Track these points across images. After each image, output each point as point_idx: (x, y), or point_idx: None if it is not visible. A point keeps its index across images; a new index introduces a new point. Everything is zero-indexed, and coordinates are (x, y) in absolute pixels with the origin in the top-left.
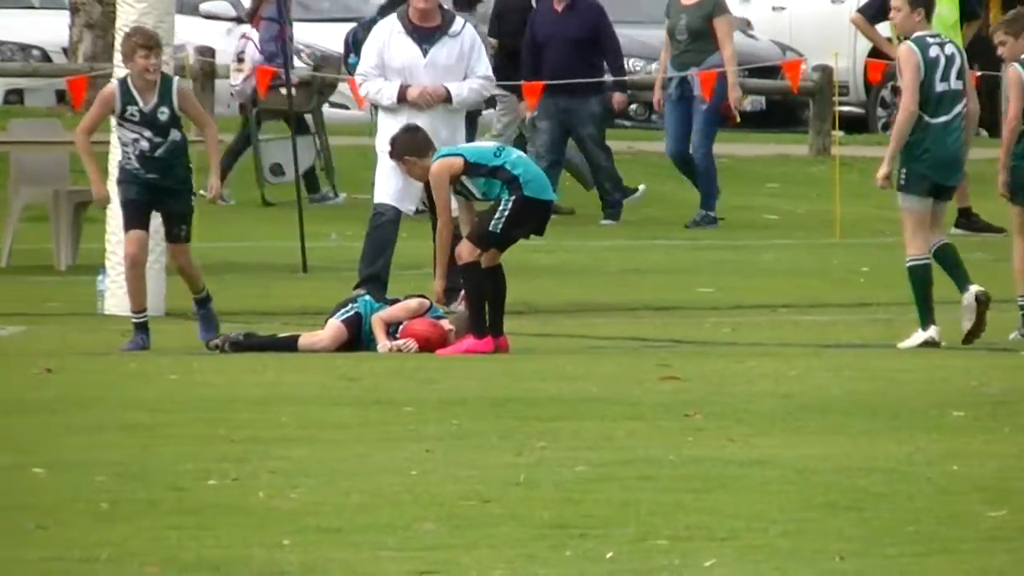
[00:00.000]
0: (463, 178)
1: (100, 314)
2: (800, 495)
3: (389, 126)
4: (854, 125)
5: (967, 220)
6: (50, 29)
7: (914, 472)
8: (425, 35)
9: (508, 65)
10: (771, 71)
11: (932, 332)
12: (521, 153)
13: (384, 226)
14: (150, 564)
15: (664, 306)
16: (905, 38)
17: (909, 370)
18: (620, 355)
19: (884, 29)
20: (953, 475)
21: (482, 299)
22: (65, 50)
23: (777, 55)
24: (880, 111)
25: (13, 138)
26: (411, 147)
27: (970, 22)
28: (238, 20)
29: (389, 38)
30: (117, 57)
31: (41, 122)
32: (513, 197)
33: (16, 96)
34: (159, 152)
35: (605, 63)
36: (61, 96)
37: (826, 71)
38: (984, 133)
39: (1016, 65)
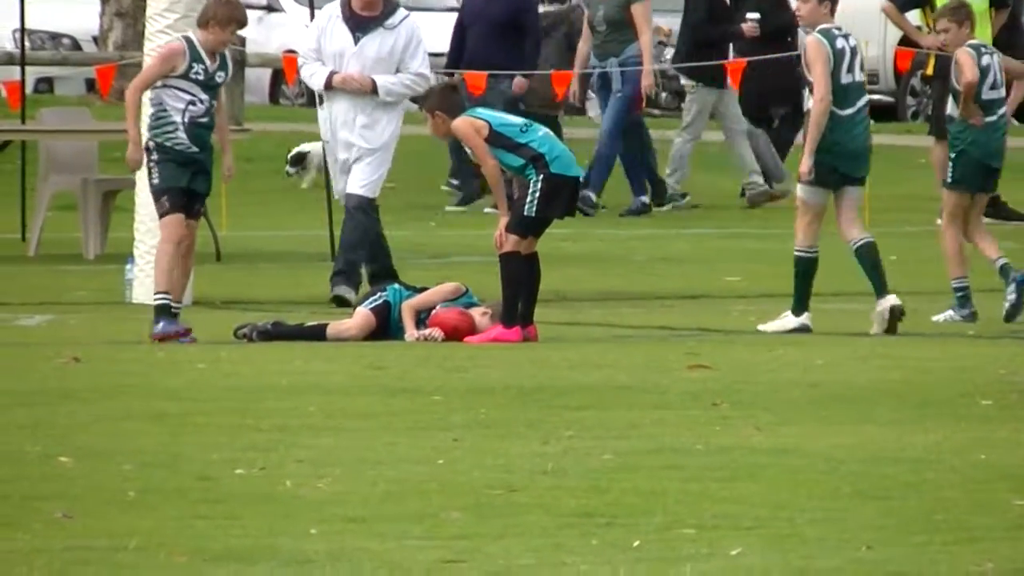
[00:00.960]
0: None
1: (128, 303)
2: (827, 484)
3: (322, 114)
4: (884, 113)
5: (995, 209)
6: (80, 17)
7: (941, 461)
8: (361, 23)
9: (695, 53)
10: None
11: (805, 319)
12: (548, 131)
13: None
14: (177, 553)
15: (692, 295)
16: (810, 29)
17: (937, 359)
18: (648, 344)
19: (913, 18)
20: (980, 464)
21: (517, 289)
22: (95, 39)
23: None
24: (910, 99)
25: (43, 126)
26: (446, 104)
27: (999, 10)
28: (269, 8)
29: (328, 23)
30: (148, 45)
31: (71, 111)
32: (541, 176)
33: (46, 84)
34: (208, 119)
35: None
36: (91, 85)
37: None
38: (1015, 121)
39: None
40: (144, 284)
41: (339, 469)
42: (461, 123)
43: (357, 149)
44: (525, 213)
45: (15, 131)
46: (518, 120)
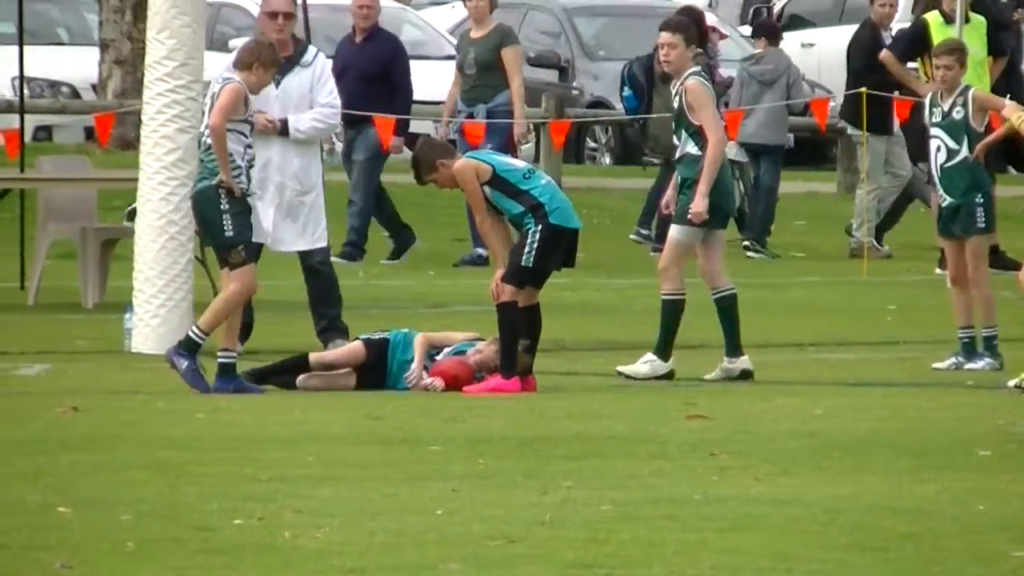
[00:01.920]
0: (487, 189)
1: (127, 352)
2: (826, 535)
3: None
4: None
5: (994, 258)
6: (79, 66)
7: (940, 511)
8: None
9: (859, 102)
10: (798, 110)
11: (671, 364)
12: (550, 180)
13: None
14: None
15: (690, 344)
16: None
17: (936, 409)
18: (646, 393)
19: (913, 67)
20: (978, 514)
21: (515, 339)
22: (94, 87)
23: (806, 93)
24: None
25: (41, 175)
26: (439, 150)
27: (998, 59)
28: None
29: None
30: (147, 93)
31: (69, 159)
32: (540, 227)
33: (45, 133)
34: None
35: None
36: (90, 133)
37: None
38: (1012, 170)
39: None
40: (143, 333)
41: (338, 519)
42: (463, 165)
43: (291, 192)
44: (522, 264)
45: (14, 179)
46: (522, 166)
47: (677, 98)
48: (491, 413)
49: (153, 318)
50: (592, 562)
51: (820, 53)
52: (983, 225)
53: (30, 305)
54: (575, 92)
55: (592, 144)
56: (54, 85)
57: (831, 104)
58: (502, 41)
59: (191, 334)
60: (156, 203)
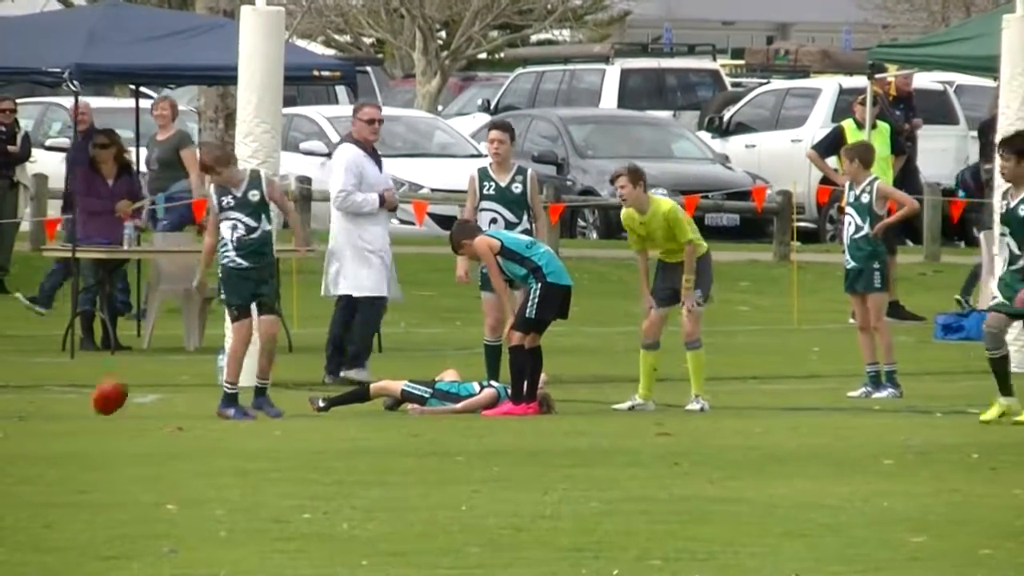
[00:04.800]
0: (499, 258)
1: (221, 385)
2: (764, 526)
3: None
4: (808, 237)
5: (895, 310)
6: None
7: (853, 507)
8: (375, 158)
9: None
10: (743, 195)
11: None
12: (548, 248)
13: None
14: None
15: (659, 378)
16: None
17: (850, 427)
18: (624, 416)
19: (832, 162)
20: (884, 510)
21: (523, 374)
22: None
23: (748, 182)
24: (828, 226)
25: (155, 247)
26: (466, 232)
27: (898, 156)
28: (329, 155)
29: (363, 160)
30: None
31: (176, 235)
32: (540, 285)
33: None
34: (257, 235)
35: None
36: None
37: (786, 195)
38: (909, 243)
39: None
40: None
41: (384, 514)
42: (479, 242)
43: (387, 254)
44: (527, 315)
45: (133, 252)
46: (525, 239)
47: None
48: (504, 431)
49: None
50: (583, 547)
51: (760, 152)
52: (879, 285)
53: (144, 348)
54: (569, 183)
55: (582, 223)
56: None
57: (767, 191)
58: (180, 143)
59: (225, 388)
60: None
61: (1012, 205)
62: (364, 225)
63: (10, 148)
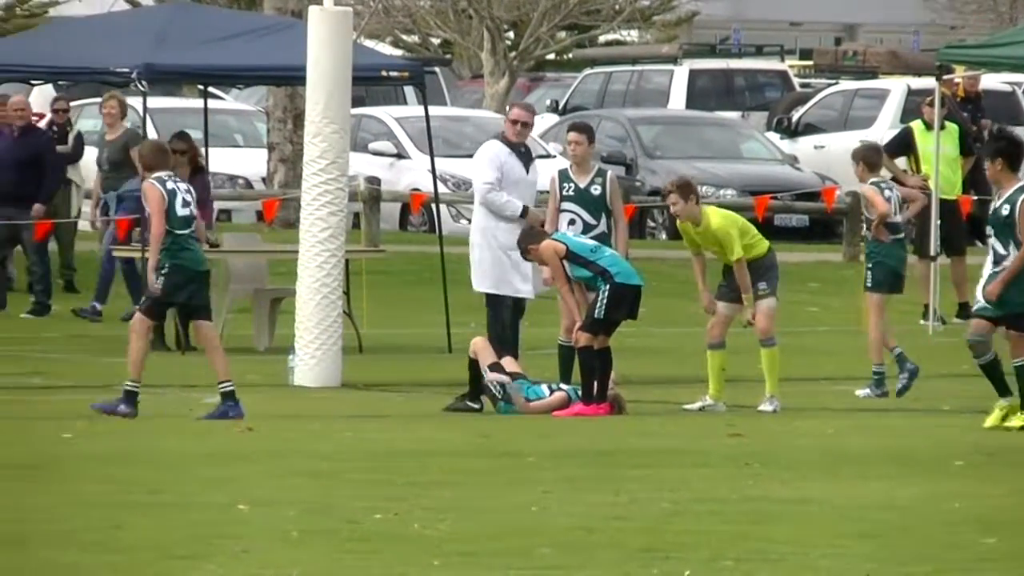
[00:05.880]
0: (566, 262)
1: (290, 386)
2: (835, 526)
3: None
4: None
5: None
6: (252, 162)
7: (924, 508)
8: (525, 156)
9: None
10: (812, 196)
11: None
12: (613, 251)
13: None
14: None
15: (729, 379)
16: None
17: (920, 428)
18: (695, 417)
19: (901, 163)
20: (954, 511)
21: (592, 374)
22: (263, 179)
23: (817, 183)
24: None
25: (225, 248)
26: (533, 236)
27: (967, 157)
28: (398, 155)
29: (506, 157)
30: (305, 184)
31: (245, 235)
32: (608, 286)
33: (225, 215)
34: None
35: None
36: (259, 215)
37: (855, 196)
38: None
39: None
40: (302, 371)
41: (455, 514)
42: (545, 246)
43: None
44: (595, 316)
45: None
46: (590, 243)
47: None
48: (575, 432)
49: (311, 359)
50: (653, 548)
51: (829, 153)
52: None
53: None
54: (638, 183)
55: (651, 223)
56: (232, 178)
57: (837, 192)
58: (129, 142)
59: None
60: (312, 270)
61: (995, 206)
62: (499, 224)
63: (59, 148)
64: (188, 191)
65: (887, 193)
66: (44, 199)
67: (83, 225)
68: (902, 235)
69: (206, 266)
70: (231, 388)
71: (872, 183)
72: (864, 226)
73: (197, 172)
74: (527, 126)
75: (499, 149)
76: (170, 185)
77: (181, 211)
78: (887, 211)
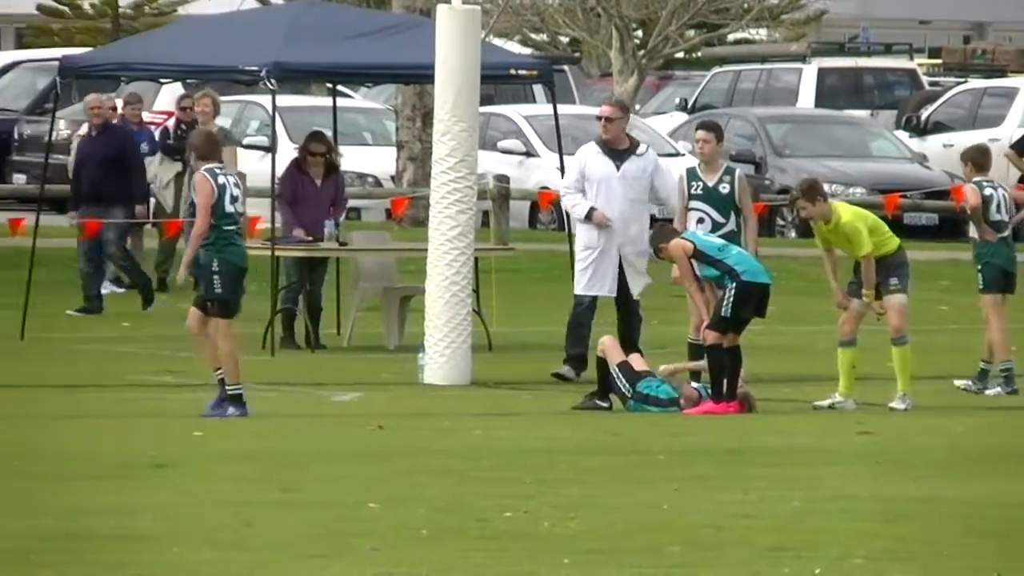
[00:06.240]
0: (693, 261)
1: (420, 384)
2: (965, 525)
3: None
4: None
5: None
6: (381, 161)
7: None
8: (617, 154)
9: None
10: (942, 194)
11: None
12: (741, 250)
13: (581, 313)
14: None
15: (858, 376)
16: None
17: None
18: (824, 415)
19: None
20: None
21: (722, 372)
22: (392, 177)
23: (947, 181)
24: None
25: (354, 246)
26: (664, 235)
27: None
28: (527, 154)
29: (590, 158)
30: (434, 183)
31: (374, 233)
32: (735, 284)
33: (355, 213)
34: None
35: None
36: (389, 213)
37: None
38: None
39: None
40: (432, 369)
41: (585, 512)
42: (674, 245)
43: (632, 252)
44: (722, 314)
45: (333, 250)
46: (718, 242)
47: None
48: (704, 430)
49: (440, 357)
50: (784, 546)
51: (958, 151)
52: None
53: (345, 347)
54: (767, 182)
55: (781, 221)
56: (362, 176)
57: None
58: (222, 141)
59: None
60: (442, 268)
61: None
62: (579, 224)
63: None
64: (237, 185)
65: (987, 191)
66: (141, 200)
67: None
68: (1006, 233)
69: (247, 263)
70: (239, 392)
71: (975, 182)
72: (971, 228)
73: (331, 171)
74: (610, 121)
75: (585, 151)
76: (221, 179)
77: (229, 207)
78: (976, 204)
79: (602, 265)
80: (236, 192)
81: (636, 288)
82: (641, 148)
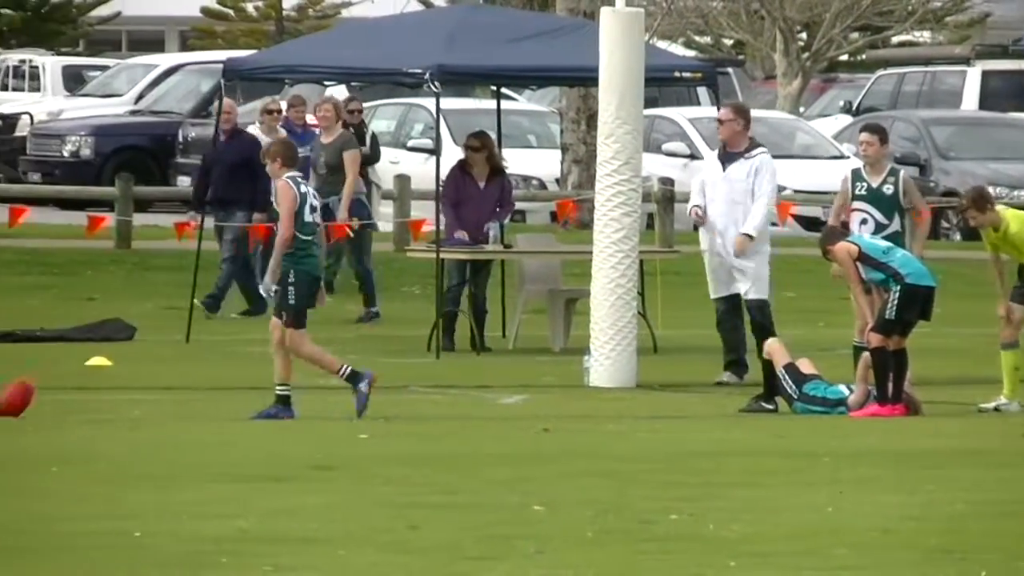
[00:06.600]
0: (858, 263)
1: (586, 387)
2: None
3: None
4: None
5: None
6: (545, 163)
7: None
8: (728, 156)
9: None
10: None
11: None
12: (906, 252)
13: (720, 317)
14: None
15: (1022, 379)
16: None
17: None
18: (990, 417)
19: None
20: None
21: (887, 375)
22: (557, 180)
23: None
24: None
25: (519, 248)
26: (831, 237)
27: None
28: (691, 156)
29: (711, 161)
30: (598, 185)
31: (539, 236)
32: (899, 287)
33: (520, 216)
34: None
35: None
36: (553, 216)
37: None
38: None
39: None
40: (598, 372)
41: (750, 515)
42: (839, 248)
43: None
44: (886, 317)
45: (498, 253)
46: (883, 244)
47: None
48: (870, 432)
49: (606, 359)
50: (950, 548)
51: None
52: None
53: (510, 349)
54: (931, 184)
55: (945, 224)
56: (526, 179)
57: None
58: (344, 146)
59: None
60: (607, 270)
61: None
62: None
63: (361, 149)
64: (315, 195)
65: None
66: (262, 207)
67: (383, 226)
68: None
69: (322, 273)
70: (287, 392)
71: None
72: None
73: (496, 174)
74: (721, 122)
75: (711, 152)
76: (303, 188)
77: (308, 216)
78: None
79: (714, 267)
80: (315, 202)
81: (741, 288)
82: (754, 152)
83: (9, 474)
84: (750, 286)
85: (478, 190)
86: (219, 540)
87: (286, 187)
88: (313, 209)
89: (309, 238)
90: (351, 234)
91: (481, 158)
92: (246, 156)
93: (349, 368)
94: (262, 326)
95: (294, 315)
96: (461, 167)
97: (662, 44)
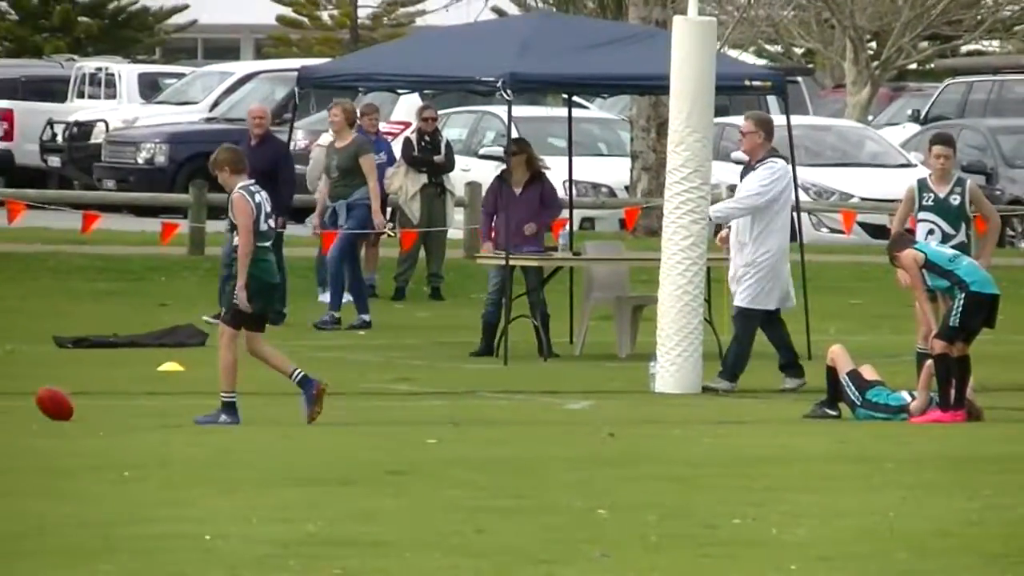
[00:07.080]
0: (924, 271)
1: (652, 392)
2: None
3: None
4: None
5: None
6: (614, 171)
7: None
8: (747, 167)
9: None
10: None
11: None
12: (971, 260)
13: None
14: None
15: None
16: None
17: None
18: None
19: None
20: None
21: (948, 381)
22: (627, 187)
23: None
24: None
25: (587, 255)
26: (899, 244)
27: None
28: None
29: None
30: (667, 193)
31: (608, 243)
32: (964, 295)
33: (589, 223)
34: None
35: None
36: (622, 223)
37: None
38: None
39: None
40: (664, 378)
41: (813, 519)
42: (905, 255)
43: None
44: (950, 324)
45: (566, 259)
46: (949, 252)
47: None
48: (931, 438)
49: (671, 365)
50: (1011, 553)
51: None
52: None
53: (577, 355)
54: (998, 192)
55: (1011, 232)
56: (596, 186)
57: None
58: (359, 151)
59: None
60: (674, 277)
61: None
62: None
63: (435, 158)
64: (267, 199)
65: None
66: (285, 212)
67: (453, 233)
68: None
69: (277, 279)
70: (304, 375)
71: None
72: None
73: (535, 179)
74: (743, 135)
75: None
76: (257, 198)
77: (263, 225)
78: None
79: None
80: (269, 209)
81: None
82: (767, 160)
83: (82, 479)
84: (747, 301)
85: (514, 196)
86: (288, 544)
87: (242, 200)
88: (268, 216)
89: (265, 244)
90: (390, 235)
91: (519, 162)
92: (272, 162)
93: (234, 398)
94: (335, 333)
95: (233, 314)
96: (500, 177)
97: (733, 53)
